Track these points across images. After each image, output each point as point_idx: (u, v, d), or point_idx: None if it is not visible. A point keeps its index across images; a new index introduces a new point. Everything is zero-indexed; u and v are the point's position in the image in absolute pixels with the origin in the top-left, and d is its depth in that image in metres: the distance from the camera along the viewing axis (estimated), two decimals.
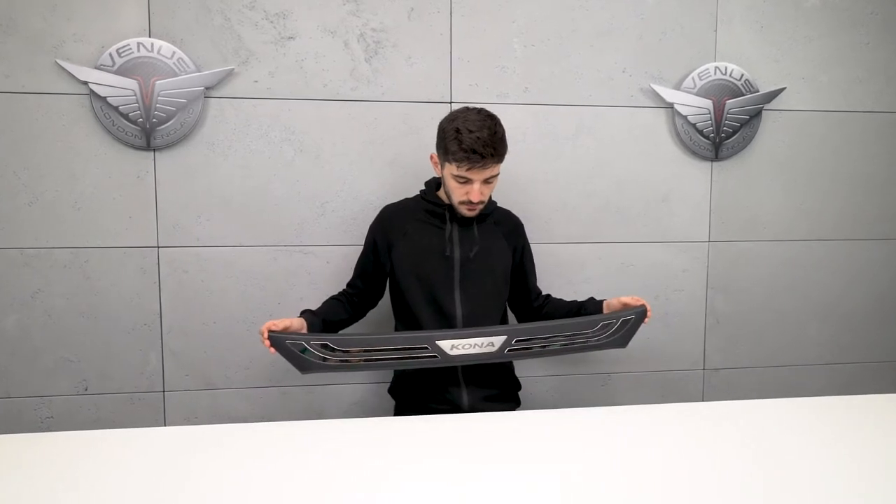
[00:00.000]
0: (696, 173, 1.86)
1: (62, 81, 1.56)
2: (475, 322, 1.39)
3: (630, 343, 1.85)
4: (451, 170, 1.30)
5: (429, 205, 1.43)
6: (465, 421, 1.21)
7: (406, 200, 1.49)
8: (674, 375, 1.94)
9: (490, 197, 1.44)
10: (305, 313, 1.36)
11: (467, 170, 1.27)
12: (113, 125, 1.58)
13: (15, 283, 1.60)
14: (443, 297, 1.38)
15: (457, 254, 1.39)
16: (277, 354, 1.23)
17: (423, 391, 1.42)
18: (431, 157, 1.40)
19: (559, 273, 1.84)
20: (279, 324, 1.24)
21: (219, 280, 1.68)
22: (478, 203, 1.33)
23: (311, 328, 1.32)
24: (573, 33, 1.76)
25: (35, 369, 1.64)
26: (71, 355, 1.65)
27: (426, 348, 1.23)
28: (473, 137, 1.25)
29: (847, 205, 1.95)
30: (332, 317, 1.40)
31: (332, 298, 1.48)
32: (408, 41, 1.69)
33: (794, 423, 1.20)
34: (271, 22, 1.63)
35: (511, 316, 1.61)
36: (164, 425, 1.69)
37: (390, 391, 1.53)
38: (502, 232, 1.48)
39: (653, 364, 1.92)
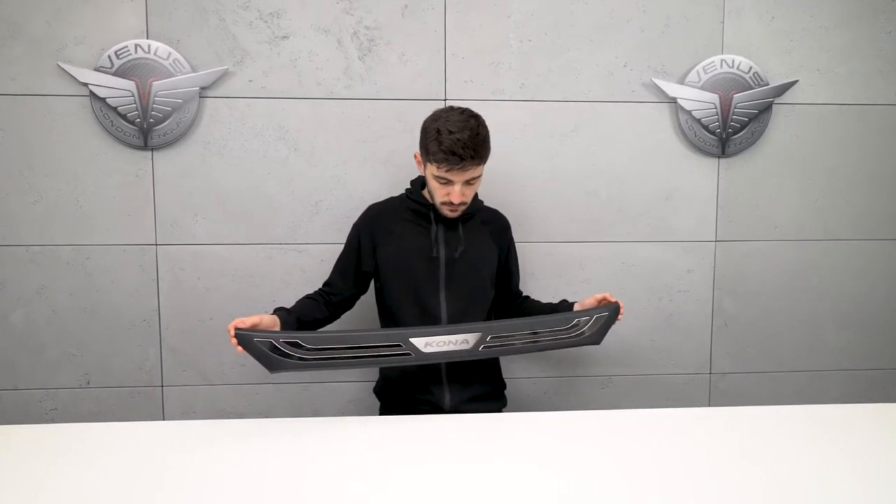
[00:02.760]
0: (702, 170, 1.91)
1: (64, 83, 1.71)
2: (460, 322, 1.46)
3: (630, 344, 1.97)
4: (431, 170, 1.37)
5: (414, 204, 1.50)
6: (448, 422, 1.28)
7: (391, 199, 1.57)
8: (678, 379, 2.00)
9: (476, 195, 1.52)
10: (279, 311, 1.39)
11: (447, 171, 1.34)
12: (112, 125, 1.73)
13: (21, 280, 1.77)
14: (428, 297, 1.46)
15: (442, 254, 1.46)
16: (246, 353, 1.23)
17: (406, 391, 1.50)
18: (415, 156, 1.46)
19: (558, 273, 1.92)
20: (247, 321, 1.25)
21: (215, 278, 1.82)
22: (459, 204, 1.39)
23: (285, 326, 1.34)
24: (571, 27, 1.82)
25: (40, 363, 1.81)
26: (74, 350, 1.81)
27: (399, 346, 1.28)
28: (453, 139, 1.31)
29: (865, 203, 1.97)
30: (306, 316, 1.43)
31: (307, 297, 1.51)
32: (401, 38, 1.79)
33: (807, 432, 1.18)
34: (265, 21, 1.76)
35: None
36: (163, 419, 1.85)
37: (375, 391, 1.62)
38: (489, 231, 1.55)
39: (656, 367, 1.99)
